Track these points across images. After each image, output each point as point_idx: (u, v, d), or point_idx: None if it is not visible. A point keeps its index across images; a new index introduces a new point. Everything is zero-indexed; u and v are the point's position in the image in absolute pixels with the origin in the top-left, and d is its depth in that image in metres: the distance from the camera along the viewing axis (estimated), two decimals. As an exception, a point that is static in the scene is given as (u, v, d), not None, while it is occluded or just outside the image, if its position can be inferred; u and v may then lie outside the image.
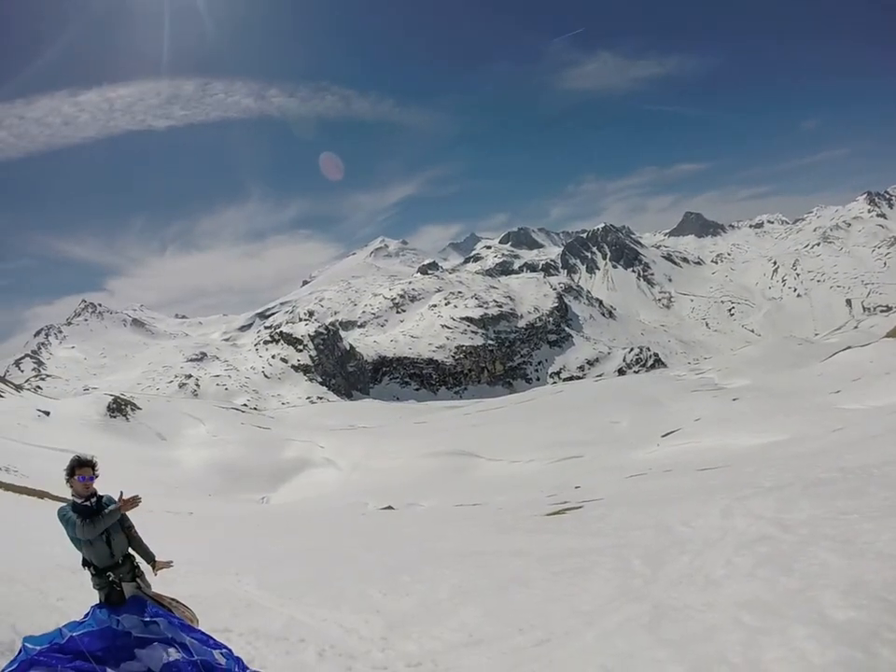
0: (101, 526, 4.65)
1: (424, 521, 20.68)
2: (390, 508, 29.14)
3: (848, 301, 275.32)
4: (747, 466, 16.62)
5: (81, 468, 4.78)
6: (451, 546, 12.74)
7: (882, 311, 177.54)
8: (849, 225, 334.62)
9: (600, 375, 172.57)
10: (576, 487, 23.46)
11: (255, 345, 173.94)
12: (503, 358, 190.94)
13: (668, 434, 39.82)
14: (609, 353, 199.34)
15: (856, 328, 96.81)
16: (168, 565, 5.16)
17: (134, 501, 4.81)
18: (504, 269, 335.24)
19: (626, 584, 7.20)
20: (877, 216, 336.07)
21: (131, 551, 4.96)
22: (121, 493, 4.85)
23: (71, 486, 4.79)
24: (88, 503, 4.73)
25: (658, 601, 6.30)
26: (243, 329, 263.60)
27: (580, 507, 15.29)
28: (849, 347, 66.11)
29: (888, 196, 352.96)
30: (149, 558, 5.05)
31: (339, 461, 50.67)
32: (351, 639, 6.75)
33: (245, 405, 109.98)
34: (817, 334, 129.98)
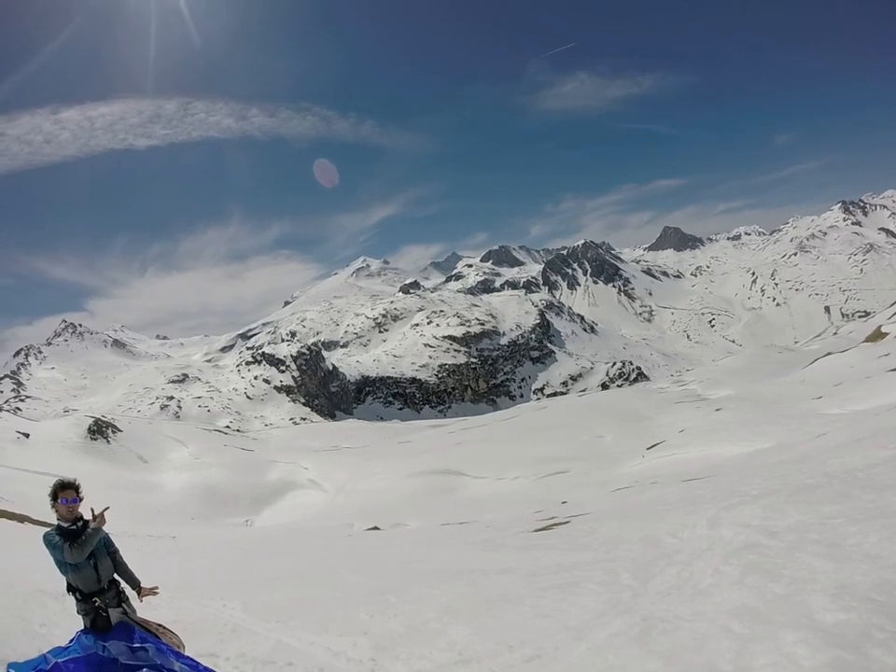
0: (88, 548, 4.58)
1: (410, 541, 20.49)
2: (376, 528, 28.87)
3: (827, 309, 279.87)
4: (732, 475, 16.68)
5: (64, 490, 4.71)
6: (438, 565, 12.62)
7: (860, 316, 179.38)
8: (825, 234, 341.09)
9: (583, 390, 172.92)
10: (563, 503, 23.40)
11: (237, 366, 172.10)
12: (486, 376, 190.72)
13: (653, 446, 39.95)
14: (591, 368, 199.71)
15: (835, 334, 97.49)
16: (153, 591, 5.09)
17: (103, 517, 4.77)
18: (485, 287, 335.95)
19: (615, 598, 7.17)
20: (852, 223, 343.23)
21: (116, 576, 4.88)
22: (92, 510, 4.77)
23: (56, 510, 4.72)
24: (74, 527, 4.67)
25: (647, 613, 6.28)
26: (224, 350, 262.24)
27: (567, 522, 15.25)
28: (830, 353, 66.80)
29: (862, 204, 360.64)
30: (134, 584, 4.97)
31: (323, 483, 50.20)
32: (339, 662, 6.66)
33: (227, 427, 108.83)
34: (797, 342, 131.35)
